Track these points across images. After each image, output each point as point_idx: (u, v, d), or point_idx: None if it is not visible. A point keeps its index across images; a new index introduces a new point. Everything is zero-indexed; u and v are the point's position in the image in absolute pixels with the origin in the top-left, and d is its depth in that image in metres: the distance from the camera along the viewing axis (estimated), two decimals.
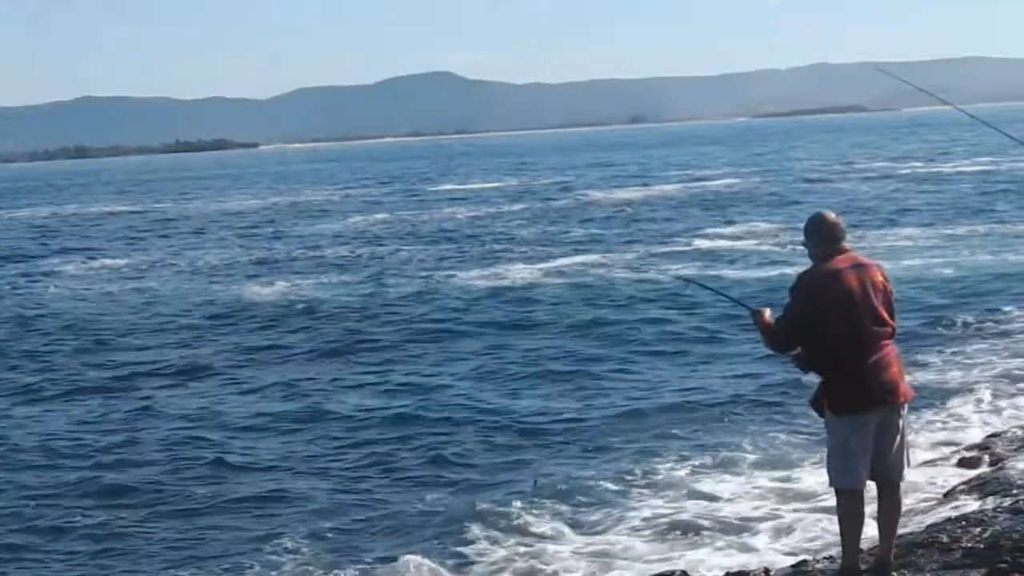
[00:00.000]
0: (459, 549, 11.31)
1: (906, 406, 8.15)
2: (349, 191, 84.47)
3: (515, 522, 11.89)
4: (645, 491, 12.69)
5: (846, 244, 8.10)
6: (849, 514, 8.12)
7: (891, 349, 8.03)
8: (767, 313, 8.19)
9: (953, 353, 18.48)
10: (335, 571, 11.01)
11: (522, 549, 11.23)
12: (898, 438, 8.07)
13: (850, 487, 8.07)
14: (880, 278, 8.05)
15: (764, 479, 12.87)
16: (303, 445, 15.49)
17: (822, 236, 8.09)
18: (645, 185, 69.77)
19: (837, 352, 7.89)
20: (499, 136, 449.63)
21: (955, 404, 15.47)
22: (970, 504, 10.80)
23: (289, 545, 11.64)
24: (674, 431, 15.05)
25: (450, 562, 11.02)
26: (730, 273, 29.69)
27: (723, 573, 9.88)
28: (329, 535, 11.94)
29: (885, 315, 7.99)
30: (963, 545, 8.93)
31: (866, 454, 7.97)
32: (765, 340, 8.23)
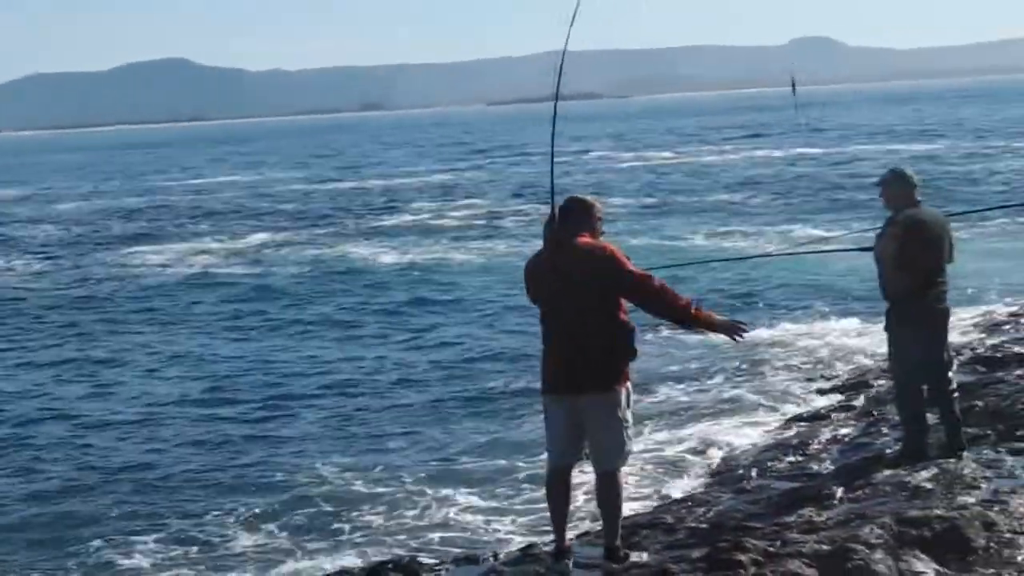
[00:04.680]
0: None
1: (617, 393, 7.85)
2: None
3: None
4: (409, 477, 12.43)
5: (572, 228, 7.90)
6: (550, 493, 8.18)
7: (590, 339, 7.75)
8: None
9: (667, 341, 17.95)
10: None
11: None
12: (602, 428, 7.86)
13: (550, 465, 8.16)
14: (588, 265, 7.75)
15: (508, 462, 12.73)
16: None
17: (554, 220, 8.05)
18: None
19: (542, 331, 8.02)
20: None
21: (684, 393, 15.33)
22: (698, 486, 10.99)
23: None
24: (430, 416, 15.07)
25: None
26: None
27: (451, 558, 9.73)
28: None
29: (583, 301, 7.73)
30: (687, 525, 8.97)
31: (560, 434, 7.96)
32: None
